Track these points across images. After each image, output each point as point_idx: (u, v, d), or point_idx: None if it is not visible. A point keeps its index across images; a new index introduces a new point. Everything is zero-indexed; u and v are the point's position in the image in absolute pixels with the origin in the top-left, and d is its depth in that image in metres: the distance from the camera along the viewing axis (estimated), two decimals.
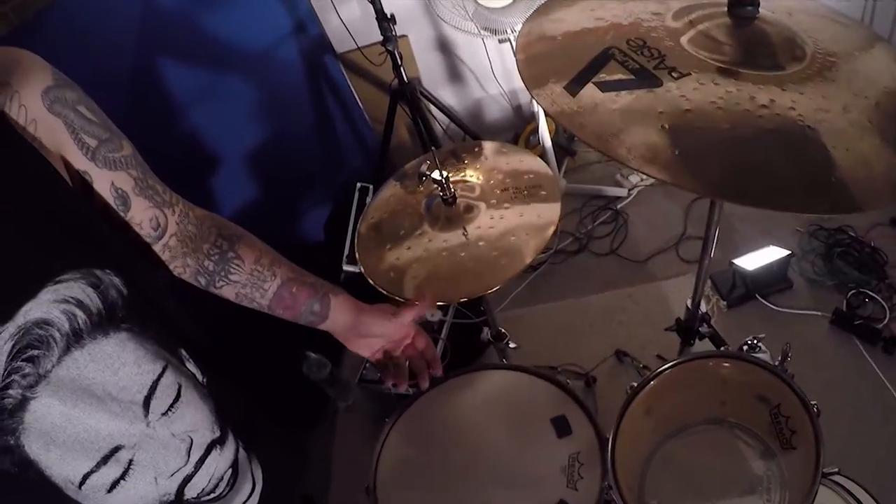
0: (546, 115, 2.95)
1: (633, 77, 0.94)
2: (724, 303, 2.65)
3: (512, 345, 1.86)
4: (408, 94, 2.84)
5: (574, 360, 2.42)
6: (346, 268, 2.52)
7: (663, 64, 0.95)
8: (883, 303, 2.54)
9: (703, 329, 1.69)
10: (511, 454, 1.45)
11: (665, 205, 3.14)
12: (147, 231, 0.93)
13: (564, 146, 3.33)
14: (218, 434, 0.91)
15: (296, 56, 3.01)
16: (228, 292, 1.06)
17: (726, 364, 1.38)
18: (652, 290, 2.77)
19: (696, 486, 1.36)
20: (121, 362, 0.77)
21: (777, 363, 1.37)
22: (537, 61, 1.02)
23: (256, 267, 1.06)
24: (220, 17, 2.43)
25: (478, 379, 1.59)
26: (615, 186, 3.26)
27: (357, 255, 1.54)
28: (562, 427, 1.44)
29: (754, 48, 0.99)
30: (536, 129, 3.10)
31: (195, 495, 0.88)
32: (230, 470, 0.93)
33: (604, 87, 0.93)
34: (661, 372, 1.36)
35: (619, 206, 3.21)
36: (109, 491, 0.78)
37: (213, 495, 0.90)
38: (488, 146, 1.68)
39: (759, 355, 1.49)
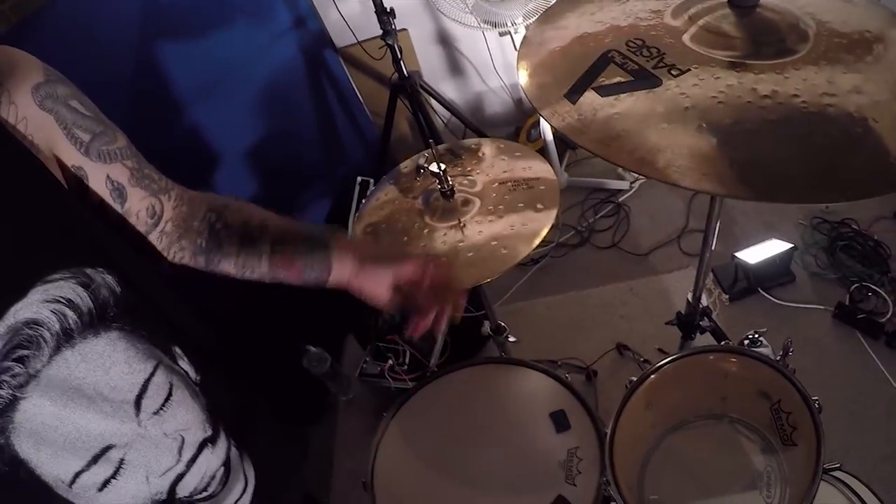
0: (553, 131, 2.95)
1: (632, 79, 0.93)
2: (727, 296, 2.64)
3: (511, 338, 1.86)
4: (408, 88, 2.84)
5: (575, 354, 2.42)
6: None
7: (662, 62, 0.94)
8: (886, 297, 2.53)
9: (704, 323, 1.68)
10: (509, 449, 1.45)
11: (667, 198, 3.13)
12: (143, 220, 0.93)
13: (566, 140, 3.32)
14: (210, 433, 0.91)
15: (296, 51, 3.00)
16: (228, 267, 1.04)
17: (727, 359, 1.38)
18: (653, 283, 2.77)
19: (697, 482, 1.35)
20: (112, 362, 0.77)
21: (778, 358, 1.36)
22: (542, 76, 1.01)
23: (245, 231, 1.03)
24: (220, 12, 2.43)
25: (476, 373, 1.59)
26: (617, 179, 3.25)
27: None
28: (560, 422, 1.44)
29: (759, 37, 0.97)
30: (538, 123, 3.10)
31: (187, 494, 0.87)
32: (222, 468, 0.92)
33: (602, 91, 0.92)
34: (660, 367, 1.35)
35: (620, 200, 3.20)
36: (100, 490, 0.78)
37: (205, 494, 0.90)
38: (486, 143, 1.68)
39: (761, 350, 1.48)
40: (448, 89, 3.43)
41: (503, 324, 1.85)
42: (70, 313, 0.72)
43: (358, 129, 3.42)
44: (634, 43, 0.97)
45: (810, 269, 2.72)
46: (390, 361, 2.19)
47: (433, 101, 3.14)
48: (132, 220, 0.92)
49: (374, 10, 2.61)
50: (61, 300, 0.71)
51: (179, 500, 0.87)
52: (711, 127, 0.84)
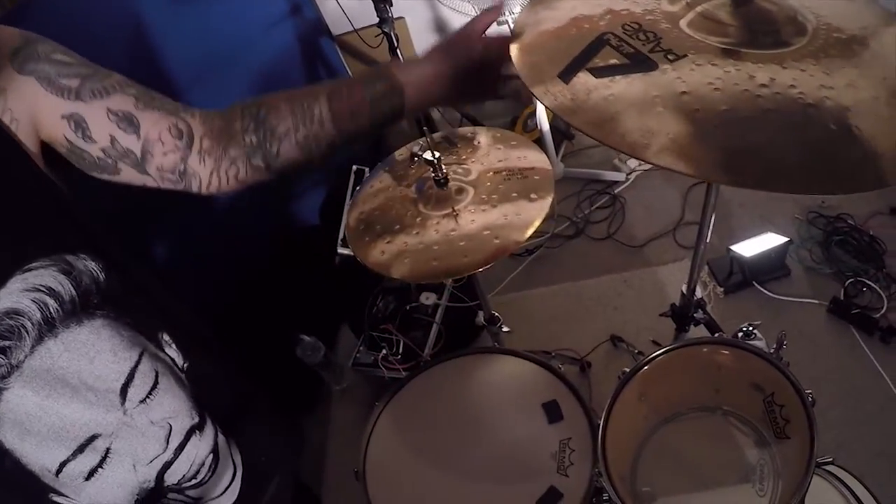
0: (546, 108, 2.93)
1: (627, 62, 0.91)
2: (721, 289, 2.65)
3: (505, 329, 1.86)
4: None
5: (569, 345, 2.42)
6: (340, 250, 2.51)
7: (659, 46, 0.92)
8: (881, 292, 2.54)
9: (698, 315, 1.68)
10: (501, 439, 1.45)
11: (663, 189, 3.13)
12: (172, 144, 0.86)
13: (562, 130, 3.31)
14: (197, 420, 0.91)
15: (292, 39, 2.99)
16: (291, 151, 0.93)
17: (720, 351, 1.37)
18: (648, 275, 2.77)
19: (689, 474, 1.35)
20: (96, 350, 0.76)
21: (772, 351, 1.36)
22: (534, 55, 1.00)
23: (294, 105, 0.93)
24: (216, 1, 2.41)
25: (469, 363, 1.59)
26: (613, 171, 3.24)
27: (350, 246, 1.52)
28: (553, 412, 1.44)
29: (756, 27, 0.97)
30: (534, 113, 3.08)
31: (176, 482, 0.87)
32: (211, 455, 0.92)
33: (597, 73, 0.90)
34: (653, 358, 1.35)
35: (616, 191, 3.20)
36: (87, 479, 0.78)
37: (194, 481, 0.89)
38: (482, 132, 1.67)
39: (755, 342, 1.48)
40: None
41: (497, 314, 1.85)
42: (51, 302, 0.71)
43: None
44: (631, 27, 0.96)
45: (805, 264, 2.72)
46: (384, 351, 2.19)
47: None
48: (158, 150, 0.85)
49: None
50: (41, 288, 0.71)
51: (168, 487, 0.86)
52: (707, 113, 0.83)
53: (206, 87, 2.27)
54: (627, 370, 1.34)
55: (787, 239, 2.59)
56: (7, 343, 0.68)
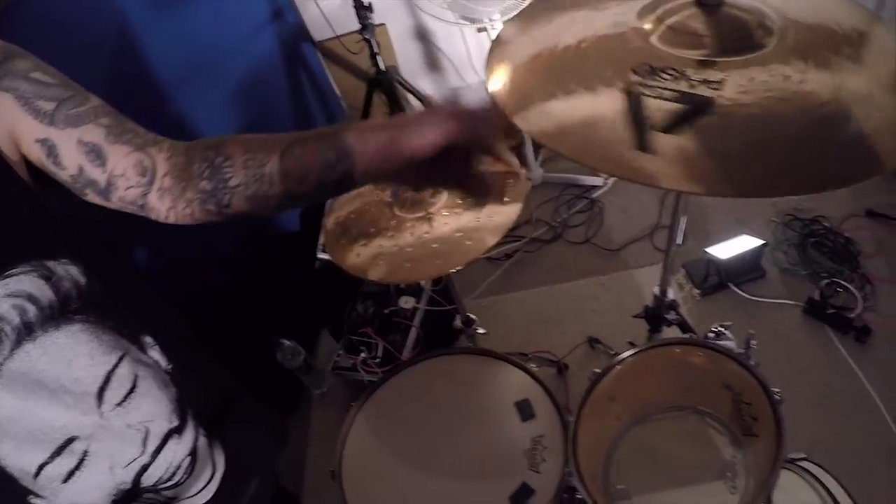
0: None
1: (684, 105, 0.88)
2: (698, 291, 2.67)
3: (480, 330, 1.88)
4: (384, 83, 2.84)
5: (547, 347, 2.44)
6: (320, 255, 2.52)
7: (689, 78, 0.91)
8: (855, 292, 2.57)
9: (671, 316, 1.71)
10: (475, 437, 1.47)
11: (640, 194, 3.16)
12: (135, 181, 0.85)
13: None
14: (176, 423, 0.91)
15: (273, 44, 3.00)
16: (241, 203, 0.88)
17: (691, 351, 1.40)
18: (625, 278, 2.79)
19: (663, 472, 1.37)
20: (73, 354, 0.77)
21: (742, 351, 1.39)
22: (514, 83, 1.00)
23: (248, 157, 0.88)
24: (198, 5, 2.42)
25: (443, 364, 1.61)
26: (591, 176, 3.27)
27: (327, 251, 1.54)
28: (526, 411, 1.46)
29: (728, 35, 0.98)
30: None
31: (152, 483, 0.88)
32: (188, 458, 0.93)
33: (672, 130, 0.87)
34: (623, 359, 1.37)
35: (594, 195, 3.22)
36: (65, 481, 0.79)
37: (170, 483, 0.90)
38: None
39: (726, 343, 1.51)
40: (425, 84, 3.43)
41: (472, 316, 1.87)
42: (30, 307, 0.72)
43: (334, 124, 3.42)
44: (644, 69, 0.93)
45: (781, 266, 2.76)
46: (363, 354, 2.20)
47: (410, 97, 3.14)
48: (121, 184, 0.84)
49: (352, 4, 2.61)
50: (21, 294, 0.72)
51: (144, 489, 0.87)
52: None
53: (190, 92, 2.28)
54: (599, 370, 1.36)
55: (762, 241, 2.63)
56: None
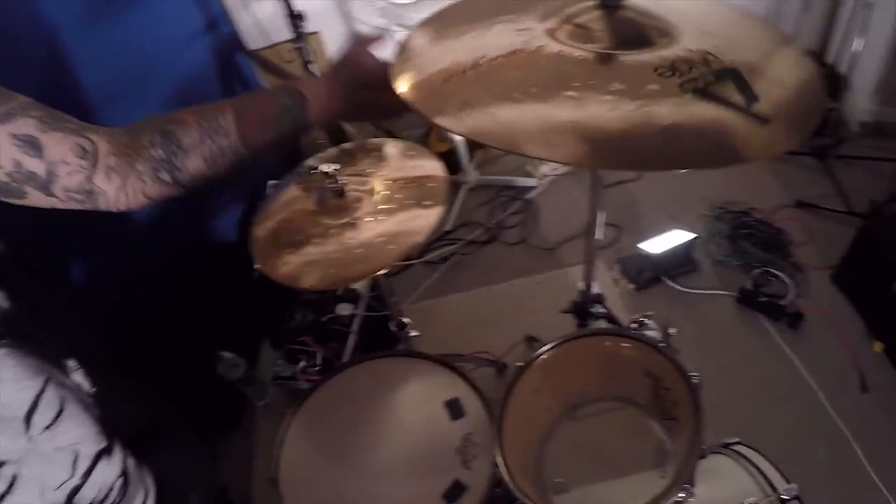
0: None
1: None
2: (633, 286, 2.74)
3: (413, 333, 1.90)
4: None
5: (485, 348, 2.47)
6: (257, 265, 2.52)
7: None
8: (787, 280, 2.67)
9: (597, 310, 1.75)
10: (407, 439, 1.50)
11: (574, 193, 3.22)
12: (76, 164, 0.83)
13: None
14: (105, 444, 0.92)
15: (208, 54, 2.96)
16: (197, 164, 0.91)
17: (610, 341, 1.44)
18: (560, 276, 2.84)
19: (599, 462, 1.41)
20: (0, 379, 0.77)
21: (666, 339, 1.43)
22: (431, 88, 1.01)
23: (201, 116, 0.91)
24: (129, 14, 2.39)
25: (374, 367, 1.64)
26: (525, 177, 3.32)
27: (258, 263, 1.55)
28: (455, 409, 1.49)
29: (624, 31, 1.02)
30: None
31: None
32: (121, 479, 0.93)
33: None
34: (544, 352, 1.40)
35: (528, 196, 3.28)
36: None
37: None
38: (387, 143, 1.72)
39: (648, 332, 1.55)
40: None
41: (405, 320, 1.89)
42: None
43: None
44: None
45: (714, 257, 2.84)
46: (302, 363, 2.21)
47: None
48: (63, 171, 0.83)
49: (284, 13, 2.62)
50: None
51: None
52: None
53: (123, 104, 2.25)
54: (520, 364, 1.39)
55: (693, 235, 2.70)
56: None
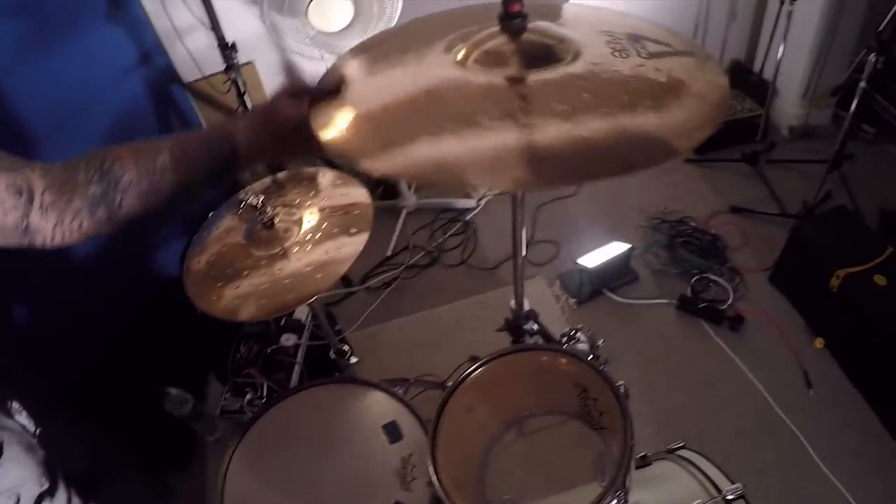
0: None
1: None
2: (574, 300, 2.77)
3: (353, 360, 1.90)
4: None
5: (430, 370, 2.46)
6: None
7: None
8: (725, 284, 2.74)
9: (529, 327, 1.77)
10: (347, 464, 1.50)
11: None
12: (11, 203, 0.82)
13: None
14: (47, 485, 0.90)
15: (143, 87, 2.94)
16: (134, 202, 0.90)
17: (537, 356, 1.46)
18: (502, 294, 2.86)
19: (543, 477, 1.42)
20: None
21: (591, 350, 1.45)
22: (358, 132, 1.03)
23: (139, 157, 0.91)
24: (62, 48, 2.37)
25: (312, 395, 1.64)
26: (464, 198, 3.36)
27: (193, 300, 1.55)
28: (393, 432, 1.50)
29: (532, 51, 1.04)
30: None
31: None
32: None
33: None
34: (472, 371, 1.41)
35: (468, 218, 3.31)
36: None
37: None
38: (320, 172, 1.74)
39: (579, 345, 1.58)
40: None
41: (345, 347, 1.90)
42: None
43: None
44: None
45: (652, 267, 2.90)
46: (248, 395, 2.20)
47: None
48: None
49: (217, 44, 2.63)
50: None
51: None
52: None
53: (58, 139, 2.22)
54: (450, 384, 1.40)
55: (629, 245, 2.75)
56: None
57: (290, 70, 3.22)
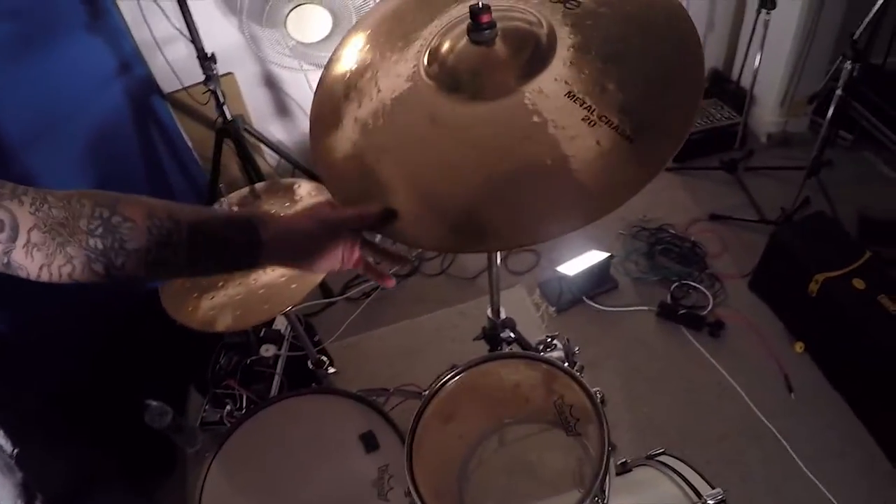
0: None
1: None
2: (553, 308, 2.78)
3: (331, 370, 1.90)
4: (232, 132, 2.84)
5: (411, 380, 2.44)
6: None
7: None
8: (705, 291, 2.75)
9: (506, 335, 1.77)
10: (324, 473, 1.50)
11: None
12: None
13: None
14: None
15: (123, 98, 2.93)
16: (137, 269, 0.84)
17: (513, 364, 1.46)
18: (482, 304, 2.77)
19: (523, 484, 1.41)
20: None
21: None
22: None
23: (153, 222, 0.84)
24: (40, 59, 2.36)
25: (289, 406, 1.63)
26: None
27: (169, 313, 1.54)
28: (370, 442, 1.50)
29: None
30: None
31: None
32: None
33: None
34: (448, 381, 1.41)
35: None
36: None
37: None
38: (301, 182, 1.74)
39: (554, 353, 1.58)
40: (277, 131, 3.46)
41: (323, 358, 1.90)
42: None
43: (188, 176, 3.37)
44: None
45: (632, 275, 2.91)
46: (228, 407, 2.18)
47: (262, 146, 3.17)
48: None
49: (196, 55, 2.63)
50: None
51: None
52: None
53: (36, 149, 2.21)
54: (427, 393, 1.40)
55: (608, 254, 2.75)
56: None
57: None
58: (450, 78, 1.02)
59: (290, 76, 3.26)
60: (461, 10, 1.07)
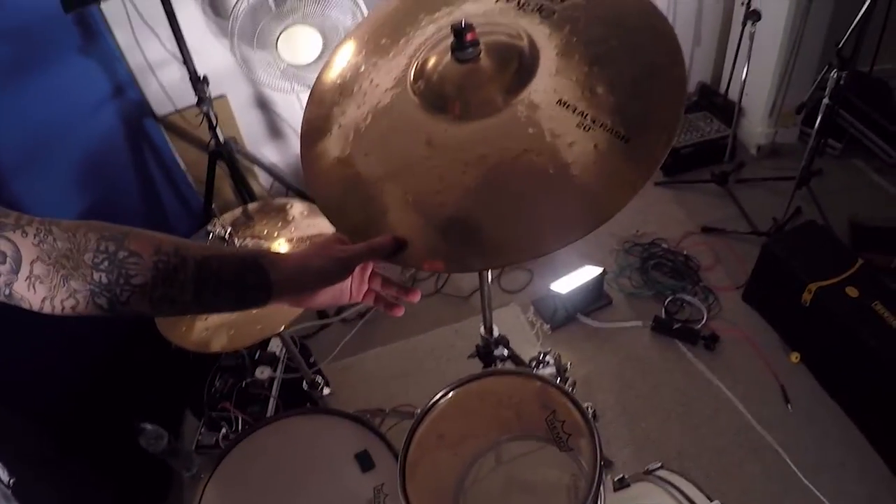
0: None
1: None
2: (548, 326, 2.78)
3: (326, 391, 1.90)
4: (225, 155, 2.86)
5: (406, 400, 2.46)
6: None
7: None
8: (699, 304, 2.75)
9: (499, 352, 1.77)
10: (319, 494, 1.49)
11: None
12: None
13: None
14: None
15: (116, 121, 2.95)
16: (142, 304, 0.83)
17: (504, 381, 1.46)
18: (477, 322, 2.78)
19: (521, 501, 1.41)
20: None
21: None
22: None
23: (160, 258, 0.83)
24: (33, 82, 2.38)
25: (284, 426, 1.62)
26: None
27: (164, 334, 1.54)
28: (365, 462, 1.49)
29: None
30: None
31: None
32: None
33: None
34: (440, 399, 1.41)
35: None
36: None
37: None
38: (294, 203, 1.74)
39: (546, 370, 1.58)
40: (270, 152, 3.47)
41: (318, 379, 1.90)
42: None
43: (181, 198, 3.38)
44: None
45: (626, 291, 2.91)
46: (224, 429, 2.17)
47: (256, 167, 3.17)
48: None
49: (189, 78, 2.64)
50: None
51: None
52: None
53: (30, 173, 2.23)
54: (419, 411, 1.40)
55: (600, 269, 2.75)
56: None
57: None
58: (437, 97, 1.02)
59: (282, 98, 3.27)
60: (439, 28, 1.08)
